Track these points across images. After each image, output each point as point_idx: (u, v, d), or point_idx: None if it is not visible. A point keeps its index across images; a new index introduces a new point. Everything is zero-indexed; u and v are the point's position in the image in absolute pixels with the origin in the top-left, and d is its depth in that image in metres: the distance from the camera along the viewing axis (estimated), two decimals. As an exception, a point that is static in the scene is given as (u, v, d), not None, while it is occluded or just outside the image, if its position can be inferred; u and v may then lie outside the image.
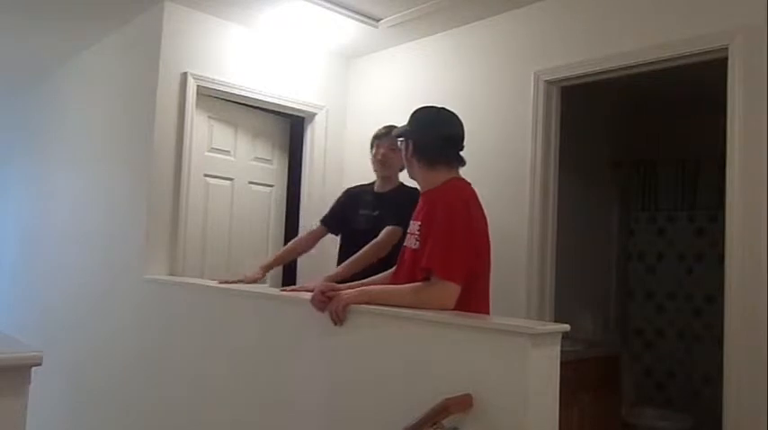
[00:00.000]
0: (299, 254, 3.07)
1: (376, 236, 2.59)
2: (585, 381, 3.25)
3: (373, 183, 2.87)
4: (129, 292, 3.24)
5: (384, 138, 2.72)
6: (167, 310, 2.96)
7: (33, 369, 1.31)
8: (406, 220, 2.13)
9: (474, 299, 1.90)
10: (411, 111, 2.09)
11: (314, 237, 2.92)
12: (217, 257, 3.57)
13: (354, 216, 2.81)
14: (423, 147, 2.01)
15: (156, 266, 3.14)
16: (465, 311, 1.80)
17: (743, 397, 2.24)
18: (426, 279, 1.84)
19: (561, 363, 1.58)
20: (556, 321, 2.64)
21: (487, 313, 1.97)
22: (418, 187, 2.14)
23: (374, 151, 2.78)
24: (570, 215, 3.38)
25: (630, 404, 4.01)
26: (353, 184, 3.04)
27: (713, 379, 3.79)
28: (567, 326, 1.61)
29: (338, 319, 1.92)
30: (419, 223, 1.96)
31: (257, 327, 2.30)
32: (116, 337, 3.35)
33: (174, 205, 3.22)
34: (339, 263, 2.73)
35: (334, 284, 2.09)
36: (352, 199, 2.89)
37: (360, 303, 1.90)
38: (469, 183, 2.03)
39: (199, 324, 2.70)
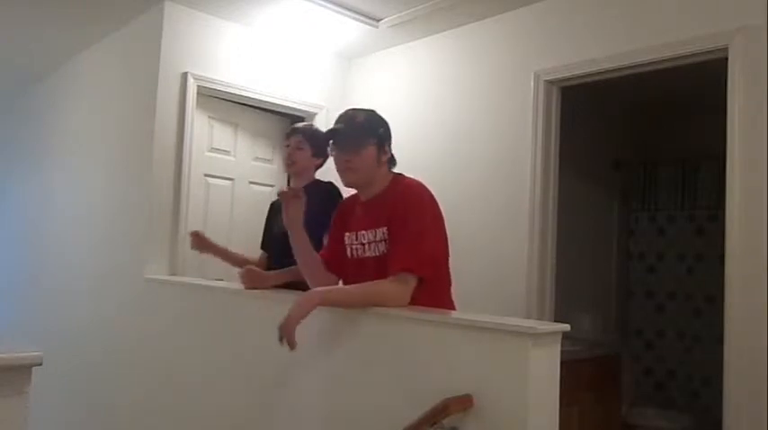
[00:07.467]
0: None
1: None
2: (585, 381, 3.25)
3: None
4: (130, 292, 3.24)
5: (292, 136, 2.63)
6: (167, 310, 2.96)
7: (33, 369, 1.31)
8: (314, 215, 2.09)
9: (443, 285, 1.97)
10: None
11: (262, 266, 2.67)
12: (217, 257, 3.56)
13: (273, 225, 2.65)
14: (391, 150, 2.05)
15: (156, 266, 3.14)
16: (435, 299, 1.87)
17: (743, 397, 2.24)
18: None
19: (561, 363, 1.58)
20: (556, 321, 2.64)
21: (451, 297, 2.02)
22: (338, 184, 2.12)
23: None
24: (570, 215, 3.38)
25: (630, 404, 4.01)
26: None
27: (713, 379, 3.79)
28: (567, 326, 1.60)
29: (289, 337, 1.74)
30: (385, 229, 1.92)
31: (258, 327, 2.29)
32: (116, 337, 3.35)
33: (174, 205, 3.22)
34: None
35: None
36: (273, 211, 2.74)
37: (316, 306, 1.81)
38: None
39: (199, 324, 2.70)
